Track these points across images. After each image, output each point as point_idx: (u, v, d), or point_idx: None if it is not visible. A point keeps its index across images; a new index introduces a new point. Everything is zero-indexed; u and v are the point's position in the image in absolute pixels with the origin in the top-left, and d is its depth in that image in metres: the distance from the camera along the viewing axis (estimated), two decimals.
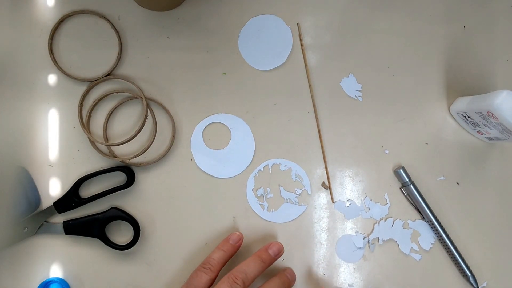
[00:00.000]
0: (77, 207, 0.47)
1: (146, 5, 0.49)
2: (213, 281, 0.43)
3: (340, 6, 0.51)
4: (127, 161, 0.47)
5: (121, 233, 0.48)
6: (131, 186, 0.48)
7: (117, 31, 0.49)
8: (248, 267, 0.43)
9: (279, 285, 0.44)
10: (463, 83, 0.50)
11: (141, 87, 0.48)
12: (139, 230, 0.47)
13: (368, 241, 0.49)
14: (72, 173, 0.47)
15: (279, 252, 0.45)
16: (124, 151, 0.49)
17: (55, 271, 0.47)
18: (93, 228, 0.46)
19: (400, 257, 0.49)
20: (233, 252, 0.45)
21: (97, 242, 0.47)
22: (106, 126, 0.48)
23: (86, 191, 0.48)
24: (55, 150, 0.48)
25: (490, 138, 0.48)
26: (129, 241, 0.47)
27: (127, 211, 0.47)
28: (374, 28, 0.50)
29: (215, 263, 0.43)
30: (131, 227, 0.47)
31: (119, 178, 0.48)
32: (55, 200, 0.47)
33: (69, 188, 0.47)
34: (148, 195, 0.48)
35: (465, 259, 0.48)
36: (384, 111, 0.50)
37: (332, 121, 0.50)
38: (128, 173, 0.47)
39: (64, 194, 0.47)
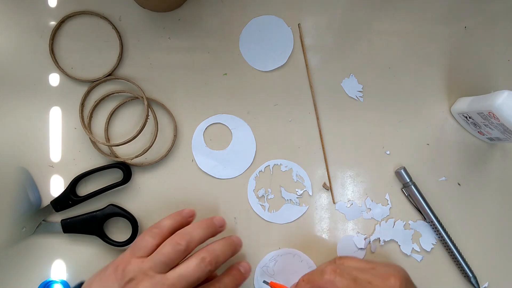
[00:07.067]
0: (74, 205, 0.47)
1: (147, 6, 0.49)
2: (157, 247, 0.41)
3: (341, 7, 0.51)
4: (129, 161, 0.47)
5: (120, 230, 0.48)
6: (131, 186, 0.48)
7: (118, 32, 0.49)
8: (194, 229, 0.41)
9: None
10: (464, 83, 0.50)
11: (142, 87, 0.48)
12: (137, 227, 0.47)
13: (370, 242, 0.49)
14: (73, 173, 0.47)
15: (222, 224, 0.44)
16: (126, 152, 0.49)
17: (54, 270, 0.47)
18: (91, 226, 0.46)
19: (401, 257, 0.49)
20: (183, 225, 0.43)
21: (95, 239, 0.47)
22: (107, 127, 0.48)
23: (84, 189, 0.48)
24: (56, 151, 0.48)
25: (491, 139, 0.48)
26: (128, 238, 0.47)
27: (125, 209, 0.47)
28: (375, 28, 0.50)
29: (164, 230, 0.42)
30: (129, 224, 0.47)
31: (117, 175, 0.48)
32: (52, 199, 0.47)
33: (66, 186, 0.47)
34: (148, 195, 0.48)
35: (466, 260, 0.48)
36: (385, 111, 0.50)
37: (333, 121, 0.50)
38: (125, 169, 0.47)
39: (61, 193, 0.47)
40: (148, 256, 0.40)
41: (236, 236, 0.44)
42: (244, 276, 0.44)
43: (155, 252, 0.40)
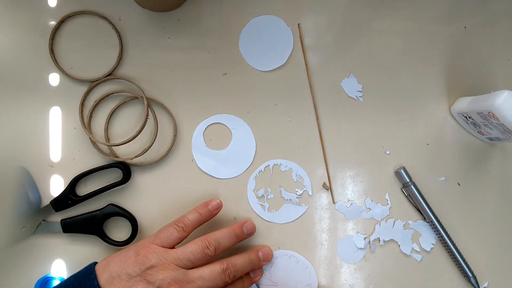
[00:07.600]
0: (74, 205, 0.47)
1: (147, 5, 0.49)
2: (181, 241, 0.43)
3: (340, 7, 0.51)
4: (128, 161, 0.47)
5: (119, 230, 0.48)
6: (131, 186, 0.48)
7: (118, 32, 0.49)
8: (223, 237, 0.43)
9: (246, 262, 0.44)
10: (464, 83, 0.50)
11: (142, 87, 0.48)
12: (137, 226, 0.47)
13: (369, 241, 0.49)
14: (73, 173, 0.47)
15: (251, 232, 0.46)
16: (125, 151, 0.49)
17: (54, 270, 0.47)
18: (91, 226, 0.46)
19: (401, 257, 0.49)
20: (209, 218, 0.45)
21: (95, 239, 0.47)
22: (107, 126, 0.48)
23: (83, 189, 0.48)
24: (56, 151, 0.48)
25: (491, 139, 0.48)
26: (127, 237, 0.47)
27: (125, 208, 0.47)
28: (375, 28, 0.50)
29: (188, 224, 0.43)
30: (129, 223, 0.47)
31: (117, 175, 0.48)
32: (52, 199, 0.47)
33: (66, 186, 0.47)
34: (148, 195, 0.48)
35: (466, 260, 0.48)
36: (385, 111, 0.50)
37: (333, 121, 0.50)
38: (124, 169, 0.47)
39: (61, 193, 0.47)
40: (170, 248, 0.42)
41: (257, 256, 0.46)
42: (253, 280, 0.46)
43: (182, 247, 0.42)
